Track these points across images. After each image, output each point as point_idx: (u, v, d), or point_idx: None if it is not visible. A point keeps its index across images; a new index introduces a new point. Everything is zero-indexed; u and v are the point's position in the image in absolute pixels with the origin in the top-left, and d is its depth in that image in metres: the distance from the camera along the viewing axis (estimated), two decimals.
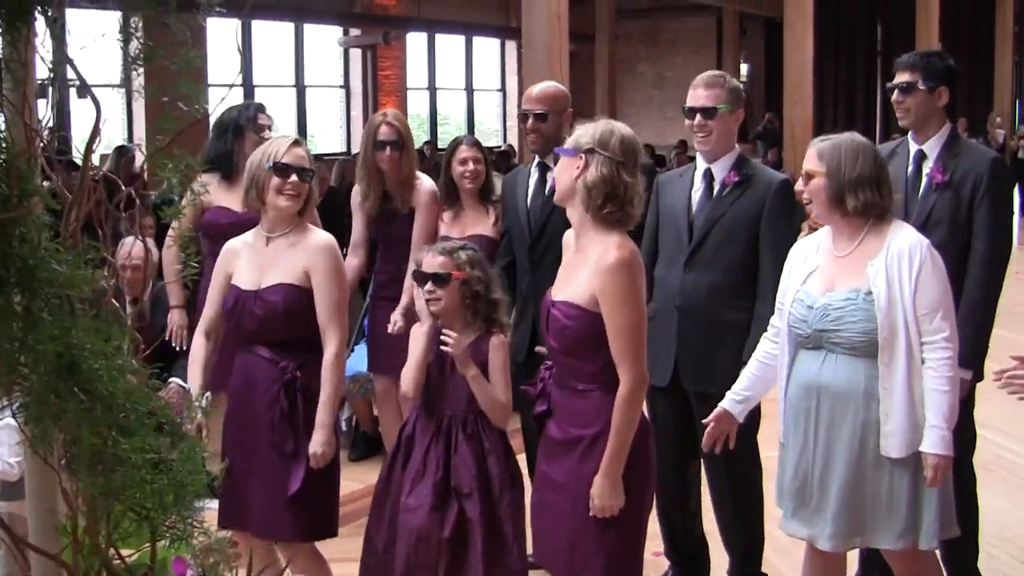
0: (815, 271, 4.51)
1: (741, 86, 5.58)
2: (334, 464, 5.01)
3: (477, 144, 6.66)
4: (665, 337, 5.36)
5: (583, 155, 4.22)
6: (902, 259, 4.31)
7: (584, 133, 4.29)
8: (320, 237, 4.97)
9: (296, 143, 5.00)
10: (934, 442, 4.25)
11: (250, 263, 4.97)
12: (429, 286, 4.90)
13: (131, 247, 5.75)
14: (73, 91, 2.61)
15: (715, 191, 5.42)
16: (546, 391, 4.47)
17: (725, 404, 4.75)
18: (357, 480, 7.50)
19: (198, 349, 5.07)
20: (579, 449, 4.29)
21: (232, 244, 5.10)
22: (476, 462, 4.86)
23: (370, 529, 5.03)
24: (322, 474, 4.89)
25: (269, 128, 6.48)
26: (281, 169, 4.88)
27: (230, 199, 6.27)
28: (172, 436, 2.52)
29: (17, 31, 2.22)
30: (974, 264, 5.14)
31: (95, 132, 2.47)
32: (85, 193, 2.41)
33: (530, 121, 6.08)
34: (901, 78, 5.37)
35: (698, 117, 5.38)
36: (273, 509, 4.86)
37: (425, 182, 6.75)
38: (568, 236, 4.48)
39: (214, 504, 5.49)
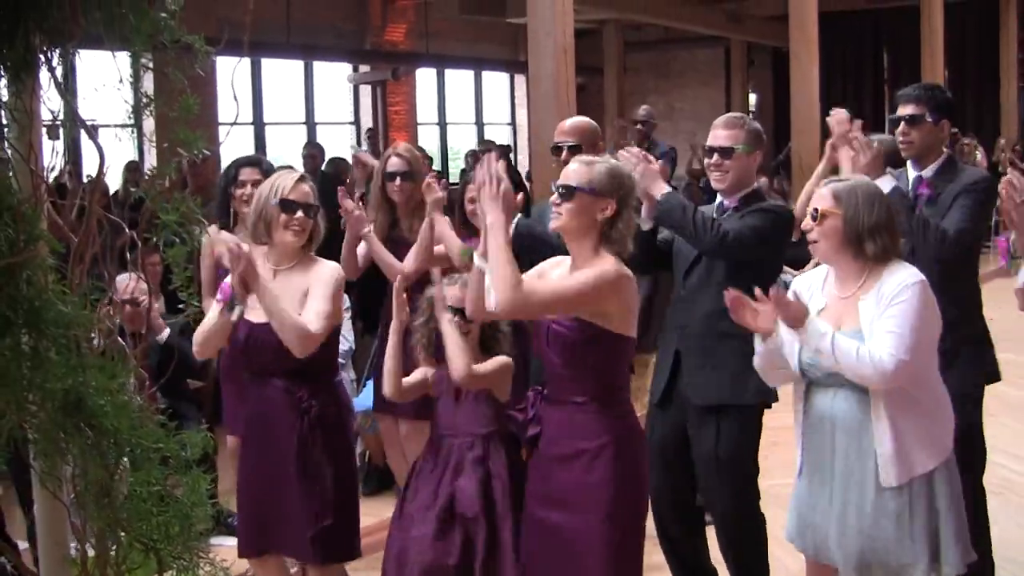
0: (821, 313, 4.52)
1: (761, 129, 5.67)
2: (354, 488, 5.16)
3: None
4: (665, 355, 5.55)
5: (613, 202, 4.31)
6: (888, 295, 4.34)
7: (608, 176, 4.35)
8: (326, 267, 5.05)
9: (302, 179, 5.07)
10: (818, 321, 4.36)
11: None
12: (459, 319, 4.96)
13: (129, 283, 5.85)
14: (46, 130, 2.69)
15: (722, 215, 5.53)
16: (536, 415, 4.52)
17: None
18: (371, 515, 7.51)
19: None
20: (583, 459, 4.34)
21: None
22: (480, 485, 4.91)
23: (385, 562, 5.07)
24: (344, 499, 5.01)
25: (253, 184, 6.47)
26: (287, 205, 4.97)
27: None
28: (177, 469, 2.60)
29: (21, 82, 2.32)
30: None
31: (99, 178, 2.56)
32: (90, 236, 2.49)
33: (564, 153, 6.15)
34: (906, 110, 5.47)
35: (715, 156, 5.48)
36: (298, 533, 4.94)
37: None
38: (548, 264, 4.60)
39: (230, 541, 5.59)
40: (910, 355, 4.26)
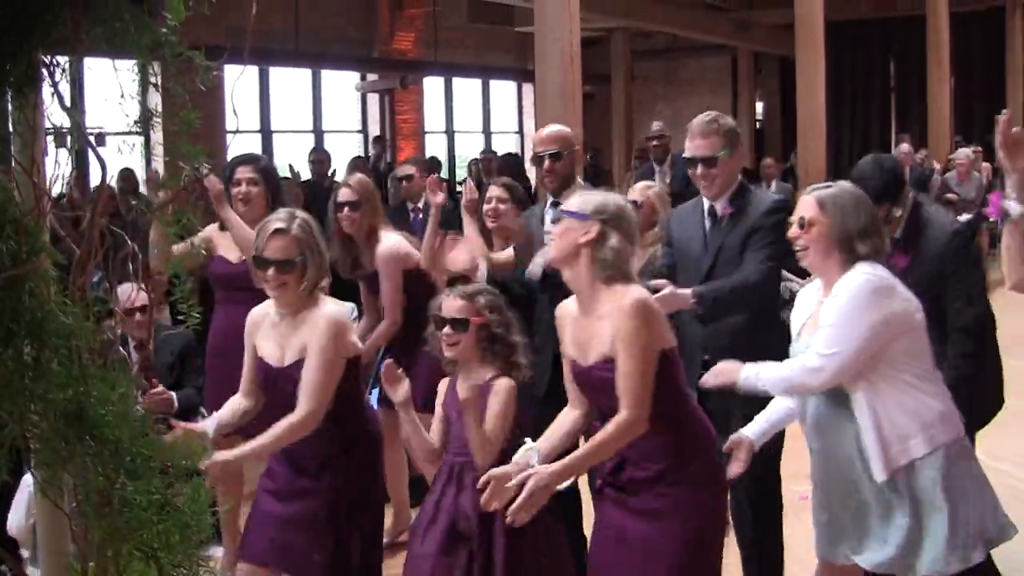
0: (807, 321, 4.61)
1: (734, 124, 5.73)
2: (379, 527, 5.31)
3: (506, 185, 6.90)
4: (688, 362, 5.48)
5: (599, 225, 4.33)
6: (841, 290, 4.42)
7: (597, 203, 4.39)
8: (324, 314, 4.97)
9: (278, 232, 4.95)
10: (745, 372, 4.53)
11: (269, 337, 5.07)
12: (447, 330, 4.95)
13: (132, 293, 5.89)
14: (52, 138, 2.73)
15: (718, 225, 5.59)
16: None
17: (745, 431, 4.75)
18: None
19: (234, 399, 5.17)
20: (667, 478, 4.36)
21: (255, 315, 5.17)
22: (478, 505, 4.92)
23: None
24: (370, 536, 5.12)
25: (248, 183, 6.51)
26: (259, 262, 4.93)
27: (226, 246, 6.47)
28: (177, 478, 2.63)
29: (24, 97, 2.36)
30: None
31: (102, 189, 2.59)
32: (92, 247, 2.53)
33: (546, 162, 6.19)
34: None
35: (700, 167, 5.51)
36: (309, 556, 4.97)
37: (383, 245, 6.93)
38: (565, 307, 4.58)
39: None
40: (842, 345, 4.34)
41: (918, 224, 5.43)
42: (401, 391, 5.00)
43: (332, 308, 5.04)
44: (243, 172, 6.57)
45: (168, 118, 2.47)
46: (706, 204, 5.66)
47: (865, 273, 4.40)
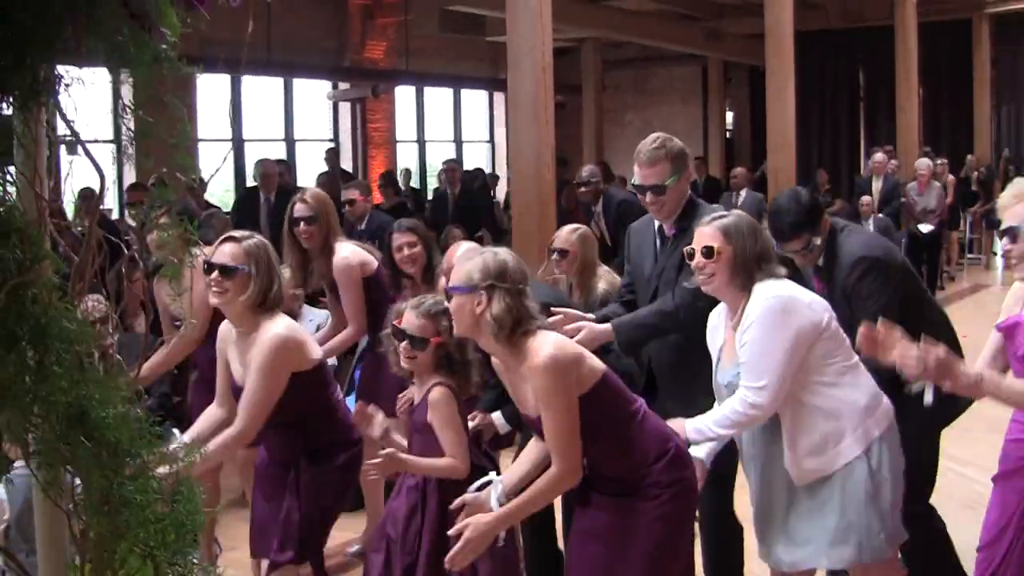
0: (724, 346, 4.89)
1: (681, 145, 5.69)
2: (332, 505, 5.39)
3: (412, 228, 7.00)
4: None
5: (483, 292, 4.36)
6: (743, 326, 4.70)
7: (474, 270, 4.40)
8: (268, 331, 5.06)
9: (231, 239, 5.12)
10: (691, 424, 4.74)
11: (232, 353, 5.24)
12: (406, 345, 5.06)
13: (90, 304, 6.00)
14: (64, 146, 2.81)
15: (665, 245, 5.70)
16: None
17: (695, 452, 4.83)
18: (351, 530, 7.63)
19: (210, 410, 5.32)
20: (630, 492, 4.47)
21: (223, 330, 5.33)
22: (409, 511, 5.08)
23: None
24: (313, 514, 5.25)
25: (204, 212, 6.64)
26: (206, 267, 5.03)
27: None
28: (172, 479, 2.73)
29: (28, 110, 2.45)
30: None
31: (99, 199, 2.68)
32: (91, 256, 2.61)
33: (648, 195, 5.68)
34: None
35: (649, 195, 5.56)
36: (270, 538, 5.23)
37: (338, 255, 7.06)
38: (497, 364, 4.66)
39: None
40: (768, 376, 4.60)
41: (833, 252, 5.56)
42: (377, 427, 5.19)
43: (280, 325, 5.10)
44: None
45: (167, 131, 2.56)
46: (656, 222, 5.76)
47: (765, 299, 4.65)
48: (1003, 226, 4.52)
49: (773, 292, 4.66)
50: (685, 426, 4.72)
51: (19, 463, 2.92)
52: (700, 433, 4.72)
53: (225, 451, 5.02)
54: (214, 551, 7.00)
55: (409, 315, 5.10)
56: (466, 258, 4.58)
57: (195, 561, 2.90)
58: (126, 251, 2.75)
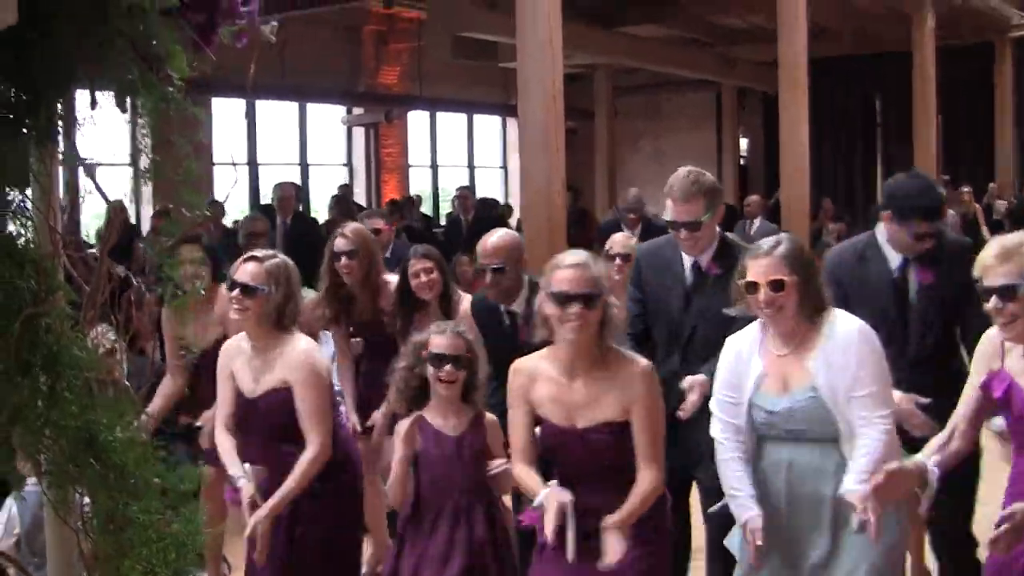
0: (765, 376, 4.61)
1: (713, 179, 5.54)
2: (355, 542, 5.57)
3: (428, 255, 6.93)
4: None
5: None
6: (839, 350, 4.48)
7: (601, 277, 4.58)
8: (296, 350, 5.20)
9: (253, 259, 5.24)
10: (846, 485, 4.39)
11: (244, 369, 5.31)
12: (449, 368, 5.05)
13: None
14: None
15: (703, 283, 5.47)
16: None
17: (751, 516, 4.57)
18: None
19: (225, 442, 5.34)
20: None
21: (228, 347, 5.43)
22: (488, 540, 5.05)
23: None
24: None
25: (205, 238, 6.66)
26: (229, 284, 5.20)
27: None
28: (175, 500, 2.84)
29: (44, 147, 2.57)
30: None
31: (111, 233, 2.80)
32: (101, 286, 2.73)
33: (683, 232, 5.50)
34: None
35: (683, 231, 5.39)
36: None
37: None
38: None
39: None
40: (890, 403, 4.51)
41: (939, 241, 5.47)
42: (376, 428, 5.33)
43: (303, 340, 5.28)
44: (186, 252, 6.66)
45: (173, 169, 2.68)
46: (688, 261, 5.53)
47: (857, 329, 4.52)
48: (997, 284, 4.18)
49: (855, 321, 4.55)
50: (850, 485, 4.38)
51: (31, 480, 3.05)
52: (863, 481, 4.30)
53: (312, 469, 5.08)
54: (222, 570, 7.08)
55: (440, 339, 5.11)
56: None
57: None
58: (135, 282, 2.88)
